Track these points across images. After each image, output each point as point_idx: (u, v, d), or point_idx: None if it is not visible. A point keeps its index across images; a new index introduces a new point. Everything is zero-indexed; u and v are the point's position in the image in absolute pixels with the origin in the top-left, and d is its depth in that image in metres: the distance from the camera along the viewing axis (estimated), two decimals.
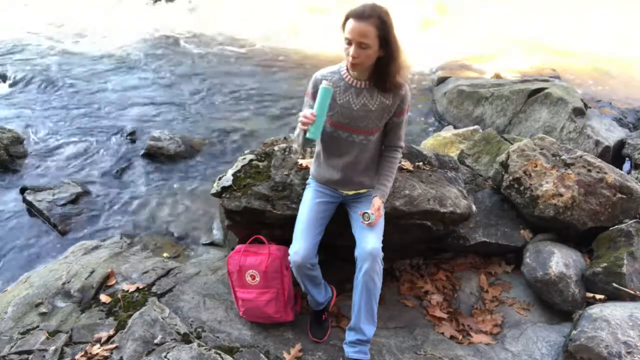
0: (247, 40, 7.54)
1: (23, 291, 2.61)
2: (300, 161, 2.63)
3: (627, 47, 7.27)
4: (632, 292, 2.43)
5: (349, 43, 1.82)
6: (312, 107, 2.07)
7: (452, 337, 2.48)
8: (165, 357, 2.08)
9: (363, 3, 1.82)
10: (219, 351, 2.14)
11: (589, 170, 2.86)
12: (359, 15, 1.78)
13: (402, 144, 2.17)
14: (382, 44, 1.83)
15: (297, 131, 2.07)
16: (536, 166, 2.91)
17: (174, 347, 2.15)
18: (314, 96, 2.06)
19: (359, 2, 1.83)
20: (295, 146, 2.61)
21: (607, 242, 2.71)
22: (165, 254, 3.24)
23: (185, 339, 2.24)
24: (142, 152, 4.65)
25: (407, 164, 2.73)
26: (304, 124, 1.87)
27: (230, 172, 2.60)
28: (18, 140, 4.63)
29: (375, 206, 2.06)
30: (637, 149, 4.08)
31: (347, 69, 1.99)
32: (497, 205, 3.07)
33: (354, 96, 1.99)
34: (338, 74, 2.02)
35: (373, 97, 1.99)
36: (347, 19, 1.82)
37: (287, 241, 2.20)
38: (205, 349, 2.13)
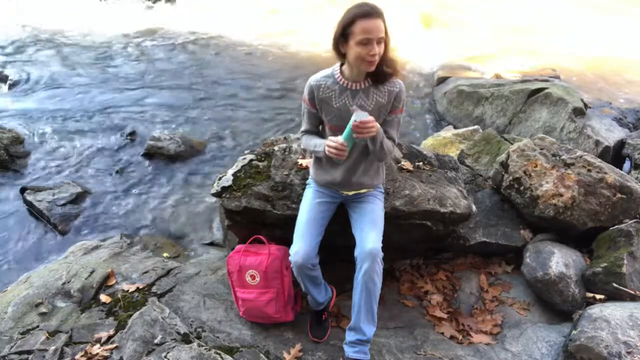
0: (247, 41, 7.54)
1: (23, 291, 2.61)
2: (300, 161, 2.63)
3: (627, 48, 7.27)
4: (632, 292, 2.43)
5: (368, 43, 1.79)
6: (314, 114, 2.09)
7: (452, 337, 2.48)
8: (165, 357, 2.08)
9: (359, 4, 1.81)
10: (219, 351, 2.14)
11: (589, 170, 2.86)
12: (369, 13, 1.78)
13: (396, 143, 2.16)
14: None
15: (317, 147, 2.06)
16: (536, 166, 2.91)
17: (174, 347, 2.15)
18: (311, 102, 2.06)
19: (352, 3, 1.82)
20: (300, 147, 2.54)
21: (607, 242, 2.71)
22: (165, 254, 3.24)
23: (185, 339, 2.24)
24: (142, 152, 4.65)
25: (407, 164, 2.73)
26: (336, 155, 1.90)
27: (230, 172, 2.60)
28: (18, 140, 4.63)
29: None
30: (637, 149, 4.08)
31: (342, 72, 1.99)
32: (497, 205, 3.07)
33: (350, 98, 1.99)
34: (332, 78, 2.01)
35: (369, 97, 1.99)
36: (352, 22, 1.79)
37: (287, 241, 2.20)
38: (205, 349, 2.13)
